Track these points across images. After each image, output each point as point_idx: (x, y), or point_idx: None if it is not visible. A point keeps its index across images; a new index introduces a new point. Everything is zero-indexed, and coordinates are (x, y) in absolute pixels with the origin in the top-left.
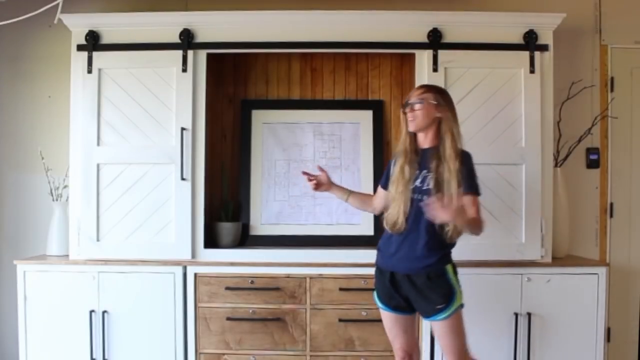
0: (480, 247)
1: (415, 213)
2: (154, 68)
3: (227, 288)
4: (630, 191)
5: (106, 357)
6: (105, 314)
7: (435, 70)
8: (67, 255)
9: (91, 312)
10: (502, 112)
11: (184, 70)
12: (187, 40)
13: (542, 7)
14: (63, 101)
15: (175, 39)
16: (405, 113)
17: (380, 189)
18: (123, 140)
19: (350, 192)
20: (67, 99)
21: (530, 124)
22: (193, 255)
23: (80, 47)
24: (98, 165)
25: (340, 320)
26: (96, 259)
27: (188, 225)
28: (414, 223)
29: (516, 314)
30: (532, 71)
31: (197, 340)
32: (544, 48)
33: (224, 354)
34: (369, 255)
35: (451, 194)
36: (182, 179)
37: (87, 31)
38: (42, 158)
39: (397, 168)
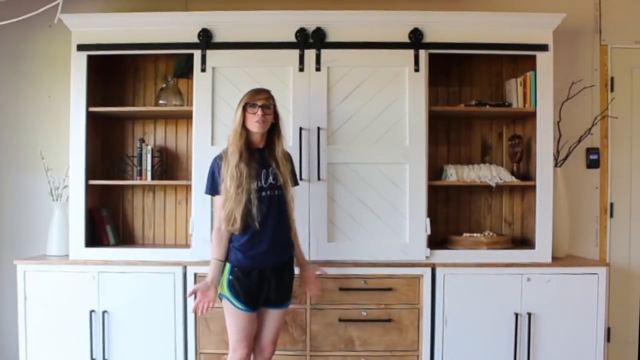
0: (364, 247)
1: (274, 208)
2: (269, 67)
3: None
4: (630, 191)
5: (106, 357)
6: (105, 314)
7: (318, 69)
8: (67, 255)
9: (91, 312)
10: (386, 110)
11: (301, 69)
12: (303, 40)
13: (542, 7)
14: (63, 101)
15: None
16: (253, 113)
17: (218, 198)
18: None
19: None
20: (67, 99)
21: (414, 122)
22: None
23: (80, 47)
24: None
25: (340, 320)
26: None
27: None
28: (275, 217)
29: (516, 314)
30: (416, 69)
31: (197, 340)
32: (543, 48)
33: (224, 354)
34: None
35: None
36: (301, 179)
37: (199, 29)
38: (42, 158)
39: (233, 168)
